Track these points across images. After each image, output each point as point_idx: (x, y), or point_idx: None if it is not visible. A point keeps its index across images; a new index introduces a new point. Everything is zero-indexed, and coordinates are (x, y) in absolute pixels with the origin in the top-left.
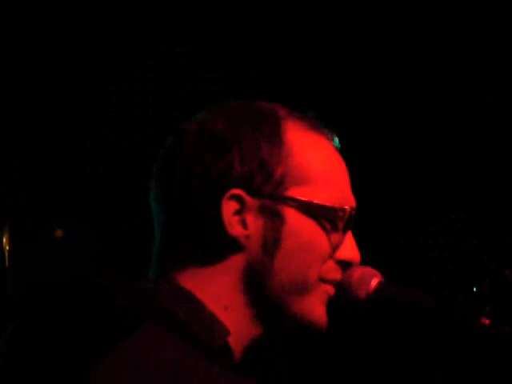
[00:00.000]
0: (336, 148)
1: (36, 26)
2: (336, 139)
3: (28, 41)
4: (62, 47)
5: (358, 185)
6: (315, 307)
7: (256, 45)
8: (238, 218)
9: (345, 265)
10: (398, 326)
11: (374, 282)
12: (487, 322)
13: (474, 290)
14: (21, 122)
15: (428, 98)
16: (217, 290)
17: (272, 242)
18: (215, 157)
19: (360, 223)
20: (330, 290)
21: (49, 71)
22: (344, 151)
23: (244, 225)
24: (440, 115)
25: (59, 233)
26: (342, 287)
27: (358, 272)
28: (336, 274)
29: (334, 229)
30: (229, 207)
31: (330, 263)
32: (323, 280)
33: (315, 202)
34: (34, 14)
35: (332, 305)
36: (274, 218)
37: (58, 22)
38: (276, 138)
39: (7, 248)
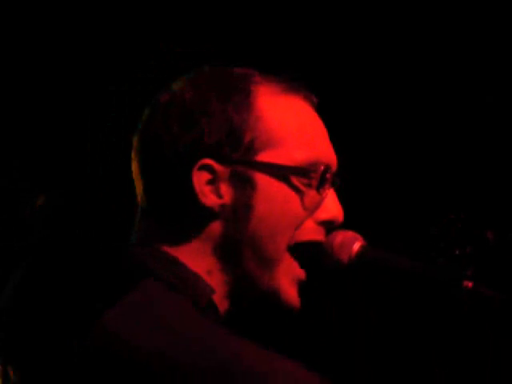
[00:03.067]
0: (313, 107)
1: (35, 26)
2: (313, 98)
3: (27, 40)
4: (62, 47)
5: (356, 186)
6: (285, 286)
7: (256, 44)
8: (211, 187)
9: (327, 225)
10: (382, 290)
11: (357, 246)
12: (470, 284)
13: (457, 253)
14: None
15: (427, 98)
16: (198, 255)
17: (245, 208)
18: (183, 127)
19: (360, 224)
20: (299, 271)
21: (48, 71)
22: (344, 151)
23: (218, 194)
24: (439, 115)
25: (41, 200)
26: (324, 252)
27: (340, 236)
28: (317, 235)
29: (309, 188)
30: (200, 178)
31: (310, 224)
32: (294, 248)
33: (285, 164)
34: (33, 13)
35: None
36: (245, 185)
37: (57, 21)
38: (245, 105)
39: None
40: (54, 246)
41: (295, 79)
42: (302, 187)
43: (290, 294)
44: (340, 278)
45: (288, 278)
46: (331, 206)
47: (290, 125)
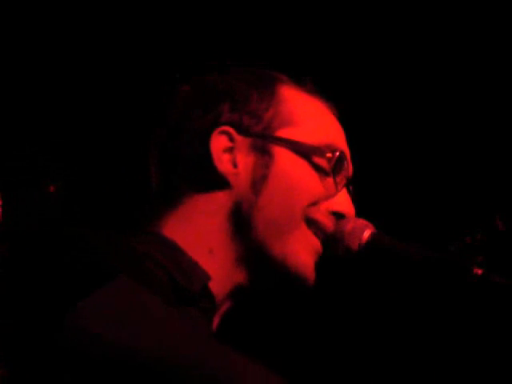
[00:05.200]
0: (335, 115)
1: (36, 25)
2: (335, 108)
3: (27, 40)
4: (63, 46)
5: (374, 209)
6: (300, 252)
7: (258, 46)
8: (229, 156)
9: (338, 216)
10: (391, 277)
11: (367, 234)
12: (480, 271)
13: (467, 240)
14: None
15: (448, 116)
16: (201, 233)
17: (260, 178)
18: (208, 105)
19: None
20: (316, 241)
21: (49, 71)
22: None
23: (233, 164)
24: (460, 132)
25: (52, 188)
26: (334, 238)
27: (351, 223)
28: (328, 221)
29: (325, 172)
30: (218, 142)
31: (323, 209)
32: (310, 221)
33: (304, 141)
34: (34, 12)
35: (323, 259)
36: (263, 156)
37: (58, 21)
38: (269, 91)
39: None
40: (44, 232)
41: (319, 86)
42: (318, 168)
43: (305, 261)
44: (349, 266)
45: (304, 246)
46: (345, 201)
47: (310, 113)
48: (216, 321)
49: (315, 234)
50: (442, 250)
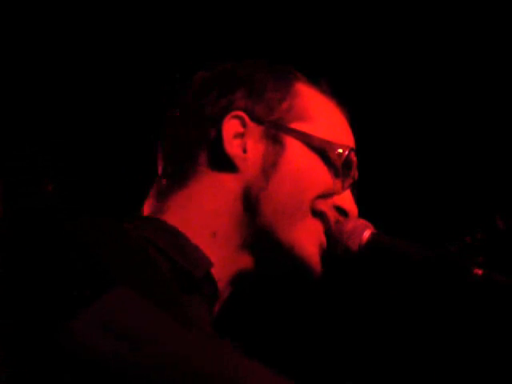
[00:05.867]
0: (346, 118)
1: (36, 25)
2: (346, 111)
3: (27, 40)
4: (63, 46)
5: (374, 209)
6: (306, 240)
7: (258, 46)
8: (239, 141)
9: (342, 213)
10: (391, 277)
11: (367, 234)
12: (480, 271)
13: (467, 240)
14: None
15: (448, 118)
16: (204, 216)
17: (269, 166)
18: (223, 90)
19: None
20: (321, 233)
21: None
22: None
23: (243, 149)
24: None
25: (50, 187)
26: (334, 238)
27: (351, 224)
28: (332, 214)
29: (334, 168)
30: (230, 126)
31: (329, 203)
32: (317, 213)
33: (316, 135)
34: (34, 12)
35: (325, 257)
36: (274, 145)
37: (58, 21)
38: (285, 83)
39: None
40: (45, 229)
41: (333, 89)
42: (328, 164)
43: (311, 251)
44: (348, 266)
45: (310, 236)
46: (350, 200)
47: (324, 112)
48: (217, 307)
49: (321, 225)
50: (442, 250)
